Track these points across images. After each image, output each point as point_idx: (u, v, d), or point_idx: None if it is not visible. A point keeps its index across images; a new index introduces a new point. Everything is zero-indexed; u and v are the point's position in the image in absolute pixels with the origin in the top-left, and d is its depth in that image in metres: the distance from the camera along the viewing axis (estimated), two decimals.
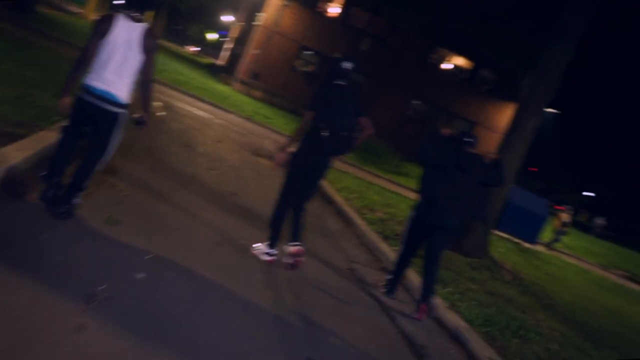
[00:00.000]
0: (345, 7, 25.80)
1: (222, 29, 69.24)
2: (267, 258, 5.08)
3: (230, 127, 13.66)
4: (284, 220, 5.11)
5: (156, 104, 11.59)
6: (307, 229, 6.91)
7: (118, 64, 3.95)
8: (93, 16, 31.58)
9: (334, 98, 4.72)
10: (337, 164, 13.46)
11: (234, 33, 37.22)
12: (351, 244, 7.20)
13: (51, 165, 4.10)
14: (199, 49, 68.70)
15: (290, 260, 5.09)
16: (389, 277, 5.63)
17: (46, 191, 4.07)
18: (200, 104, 15.74)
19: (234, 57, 29.76)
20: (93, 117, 4.02)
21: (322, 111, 4.68)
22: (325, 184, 10.31)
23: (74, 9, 36.25)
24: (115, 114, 4.06)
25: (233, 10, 50.34)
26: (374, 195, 11.53)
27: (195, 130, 10.78)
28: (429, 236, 5.29)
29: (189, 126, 10.90)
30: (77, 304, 3.16)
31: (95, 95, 3.96)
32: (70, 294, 3.22)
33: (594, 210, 42.35)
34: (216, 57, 66.60)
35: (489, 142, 27.99)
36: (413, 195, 14.32)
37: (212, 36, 75.28)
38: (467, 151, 5.18)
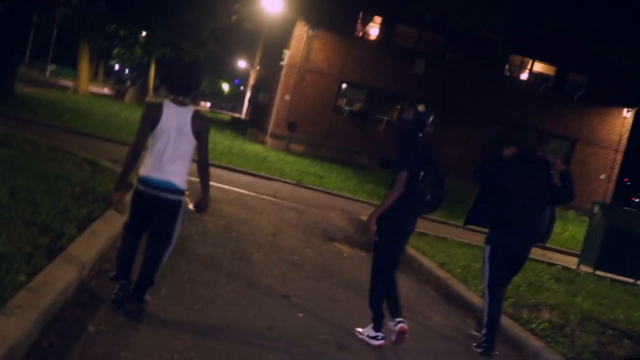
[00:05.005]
0: (389, 26, 23.87)
1: (237, 77, 68.69)
2: (376, 343, 4.93)
3: (280, 203, 11.56)
4: (383, 297, 5.06)
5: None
6: None
7: (172, 152, 4.21)
8: (87, 89, 30.48)
9: (424, 154, 4.96)
10: (424, 226, 11.14)
11: (252, 79, 35.71)
12: None
13: (118, 266, 4.38)
14: (209, 104, 67.61)
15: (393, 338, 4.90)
16: (484, 331, 5.54)
17: (117, 295, 4.29)
18: (234, 175, 13.72)
19: (257, 108, 27.99)
20: (153, 209, 4.26)
21: (418, 169, 4.85)
22: (439, 271, 8.03)
23: (65, 82, 35.42)
24: (177, 202, 4.28)
25: (247, 53, 49.22)
26: None
27: (240, 222, 8.58)
28: (508, 269, 5.57)
29: (231, 218, 8.71)
30: None
31: (154, 186, 4.21)
32: None
33: None
34: (232, 110, 65.75)
35: (597, 162, 25.22)
36: (552, 256, 11.90)
37: (226, 87, 74.93)
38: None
